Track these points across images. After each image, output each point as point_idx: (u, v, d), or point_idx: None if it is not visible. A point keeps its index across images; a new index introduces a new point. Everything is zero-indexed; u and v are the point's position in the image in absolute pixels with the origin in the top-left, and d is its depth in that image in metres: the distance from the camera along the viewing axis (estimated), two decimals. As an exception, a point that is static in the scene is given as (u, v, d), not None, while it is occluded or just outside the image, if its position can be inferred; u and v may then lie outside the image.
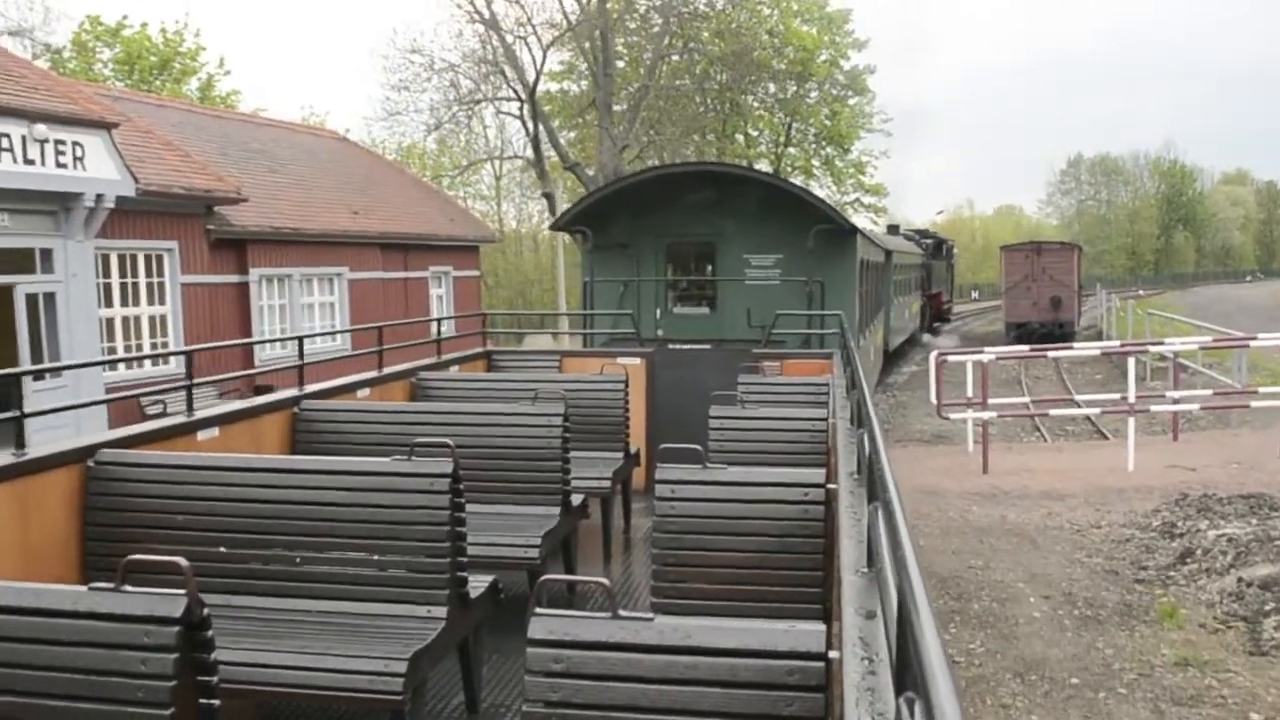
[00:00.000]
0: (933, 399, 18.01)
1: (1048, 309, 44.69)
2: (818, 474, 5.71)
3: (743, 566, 5.51)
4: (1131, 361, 15.82)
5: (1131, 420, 15.92)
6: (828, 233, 17.05)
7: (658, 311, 17.78)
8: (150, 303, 22.97)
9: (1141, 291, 61.62)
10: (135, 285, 22.61)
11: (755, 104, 58.02)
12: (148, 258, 22.83)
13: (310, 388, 8.91)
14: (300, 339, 9.56)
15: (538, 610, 3.56)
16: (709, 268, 18.25)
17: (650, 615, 3.50)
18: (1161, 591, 11.42)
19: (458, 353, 12.80)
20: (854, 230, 18.07)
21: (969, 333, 59.32)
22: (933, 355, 17.96)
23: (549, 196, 43.83)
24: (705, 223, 17.68)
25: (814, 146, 61.18)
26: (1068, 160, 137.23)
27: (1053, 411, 18.20)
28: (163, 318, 23.26)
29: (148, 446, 6.43)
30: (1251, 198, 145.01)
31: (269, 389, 19.38)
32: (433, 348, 12.54)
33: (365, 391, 9.71)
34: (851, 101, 60.73)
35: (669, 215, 17.75)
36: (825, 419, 8.12)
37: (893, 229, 47.33)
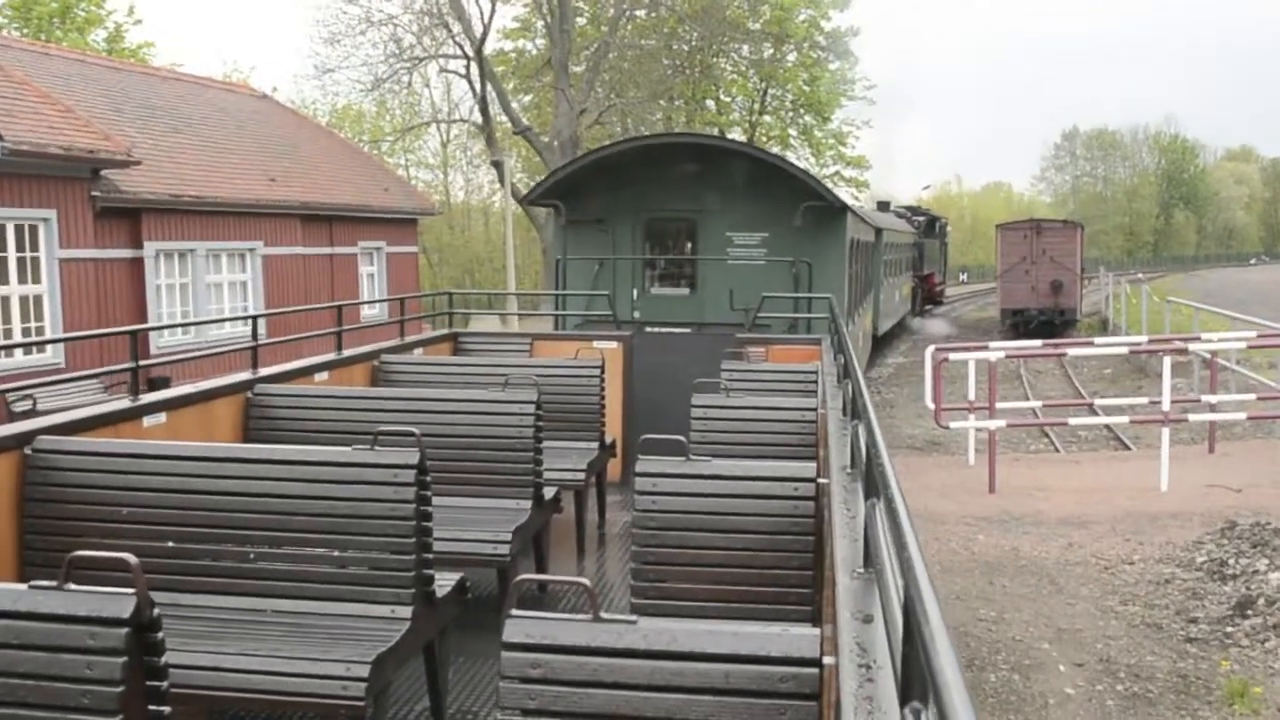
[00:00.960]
0: (928, 402, 16.27)
1: (1047, 294, 42.98)
2: (808, 467, 5.67)
3: (727, 565, 5.47)
4: (1167, 362, 14.08)
5: (1166, 432, 14.21)
6: (816, 210, 16.81)
7: (634, 292, 17.64)
8: (22, 281, 20.88)
9: (1141, 275, 60.10)
10: (3, 260, 20.56)
11: (728, 67, 56.62)
12: (19, 229, 20.74)
13: (264, 371, 8.75)
14: (254, 318, 9.55)
15: (513, 612, 3.51)
16: (689, 246, 18.01)
17: (633, 618, 3.47)
18: (1222, 656, 9.72)
19: (422, 334, 12.77)
20: (844, 208, 17.71)
21: (959, 319, 57.87)
22: (928, 352, 16.21)
23: (498, 165, 41.96)
24: (686, 198, 17.43)
25: (791, 114, 59.45)
26: (1062, 134, 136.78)
27: (1072, 421, 16.43)
28: (37, 298, 21.19)
29: (90, 433, 6.36)
30: (1256, 175, 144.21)
31: (165, 382, 17.70)
32: (380, 331, 12.86)
33: (324, 375, 9.60)
34: (832, 66, 58.58)
35: (647, 189, 17.51)
36: (815, 409, 8.07)
37: (883, 206, 46.86)
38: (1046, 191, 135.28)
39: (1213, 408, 15.75)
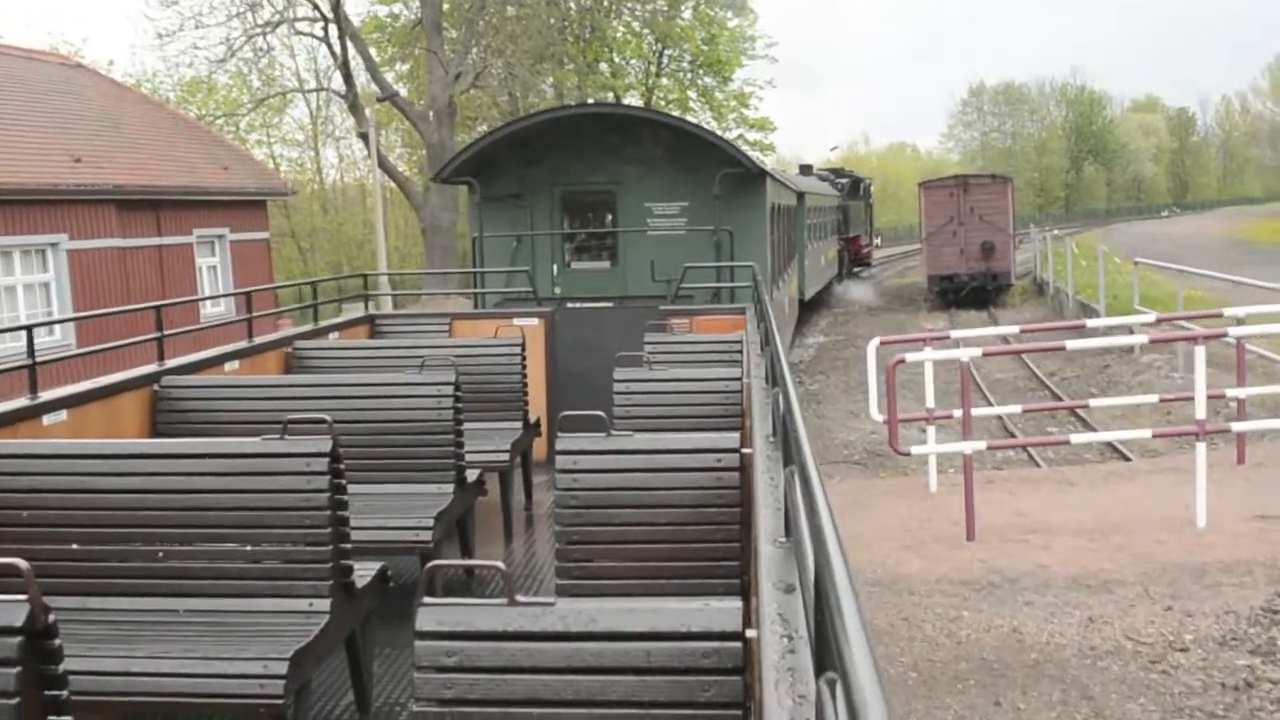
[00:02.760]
0: (874, 414, 12.51)
1: (978, 257, 39.41)
2: (731, 438, 5.61)
3: (654, 541, 5.42)
4: (1200, 355, 10.36)
5: (1202, 448, 10.48)
6: (735, 177, 16.77)
7: (554, 268, 17.72)
8: None
9: (1056, 231, 57.24)
10: None
11: (620, 27, 53.86)
12: None
13: (172, 362, 8.59)
14: (158, 308, 9.33)
15: (426, 600, 3.53)
16: (609, 218, 18.07)
17: (551, 600, 3.49)
18: None
19: (338, 318, 12.72)
20: (763, 173, 17.67)
21: (880, 284, 54.63)
22: (871, 349, 12.42)
23: (365, 138, 37.82)
24: (604, 170, 17.53)
25: (690, 76, 57.29)
26: (969, 89, 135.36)
27: (1075, 439, 12.52)
28: None
29: None
30: (1163, 126, 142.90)
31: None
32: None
33: (234, 364, 9.49)
34: (731, 24, 56.99)
35: (564, 162, 17.61)
36: (739, 379, 8.06)
37: (805, 169, 46.29)
38: (955, 149, 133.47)
39: (1241, 406, 12.10)
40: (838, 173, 55.04)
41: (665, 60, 56.30)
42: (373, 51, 45.27)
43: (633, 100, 54.09)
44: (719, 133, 51.87)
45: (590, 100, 51.43)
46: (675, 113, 50.16)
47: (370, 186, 55.05)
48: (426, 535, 6.86)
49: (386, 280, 33.47)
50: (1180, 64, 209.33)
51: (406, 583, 7.44)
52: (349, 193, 57.17)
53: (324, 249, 52.09)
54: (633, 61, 56.20)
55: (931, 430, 12.36)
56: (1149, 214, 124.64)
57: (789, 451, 3.75)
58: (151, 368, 8.28)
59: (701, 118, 54.95)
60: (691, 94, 56.96)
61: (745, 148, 53.31)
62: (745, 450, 5.42)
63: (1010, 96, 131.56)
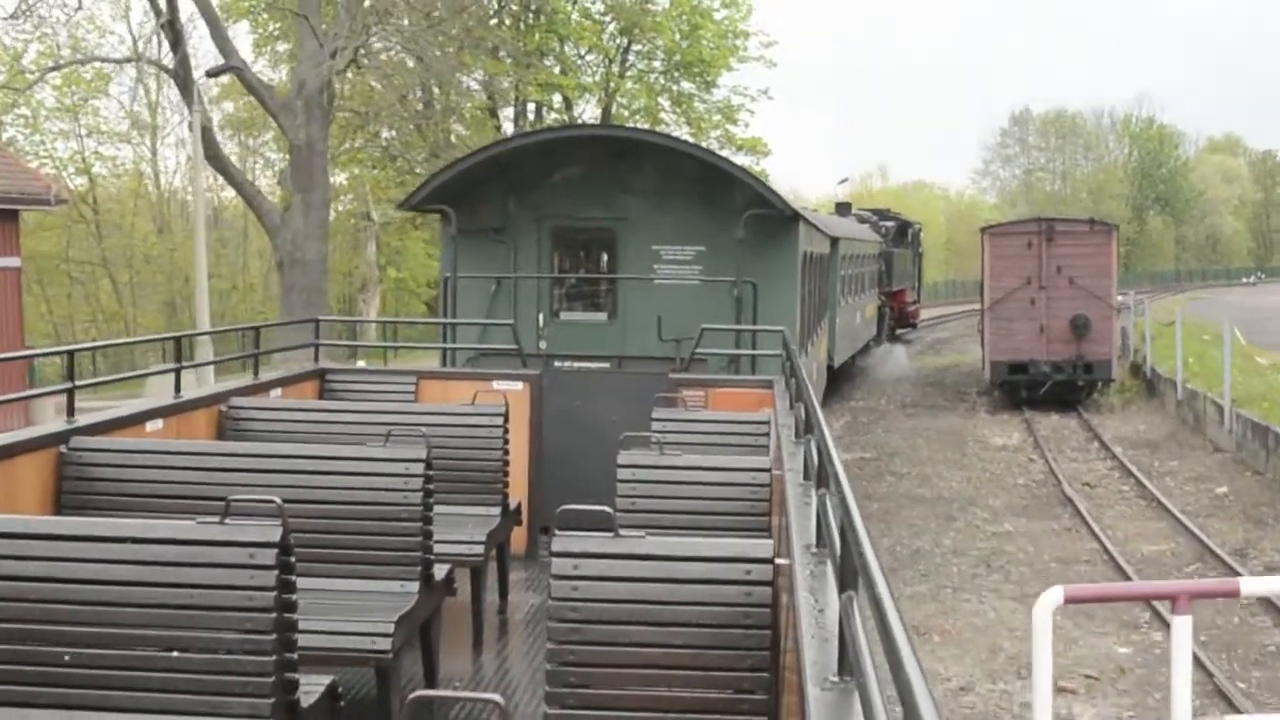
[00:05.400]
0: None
1: (1065, 338, 33.96)
2: (764, 546, 5.66)
3: (666, 666, 5.41)
4: None
5: None
6: (762, 219, 17.04)
7: (539, 317, 18.06)
8: None
9: (1120, 297, 52.76)
10: None
11: (573, 11, 51.94)
12: None
13: (82, 420, 8.59)
14: (71, 352, 9.48)
15: None
16: (607, 261, 18.60)
17: None
18: None
19: (282, 372, 13.24)
20: (796, 216, 18.01)
21: (912, 362, 50.67)
22: (1043, 611, 6.36)
23: (201, 130, 32.98)
24: (603, 203, 17.88)
25: (662, 79, 55.75)
26: (1011, 116, 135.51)
27: None
28: None
29: None
30: (1246, 171, 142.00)
31: None
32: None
33: (157, 424, 9.55)
34: (718, 15, 55.30)
35: (556, 192, 18.02)
36: (768, 469, 8.25)
37: (843, 208, 46.75)
38: (991, 189, 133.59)
39: None
40: (881, 214, 55.17)
41: (631, 57, 54.80)
42: (245, 26, 40.48)
43: (588, 109, 53.47)
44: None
45: (530, 103, 48.59)
46: (641, 125, 49.82)
47: (220, 202, 49.69)
48: (385, 643, 6.82)
49: (209, 342, 28.00)
50: (1265, 100, 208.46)
51: (359, 700, 7.62)
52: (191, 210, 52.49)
53: (158, 284, 47.21)
54: (589, 57, 54.48)
55: None
56: (1227, 278, 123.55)
57: (846, 569, 3.71)
58: (58, 425, 8.34)
59: (676, 134, 50.98)
60: (663, 101, 55.38)
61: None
62: (780, 560, 5.49)
63: (1061, 128, 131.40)
